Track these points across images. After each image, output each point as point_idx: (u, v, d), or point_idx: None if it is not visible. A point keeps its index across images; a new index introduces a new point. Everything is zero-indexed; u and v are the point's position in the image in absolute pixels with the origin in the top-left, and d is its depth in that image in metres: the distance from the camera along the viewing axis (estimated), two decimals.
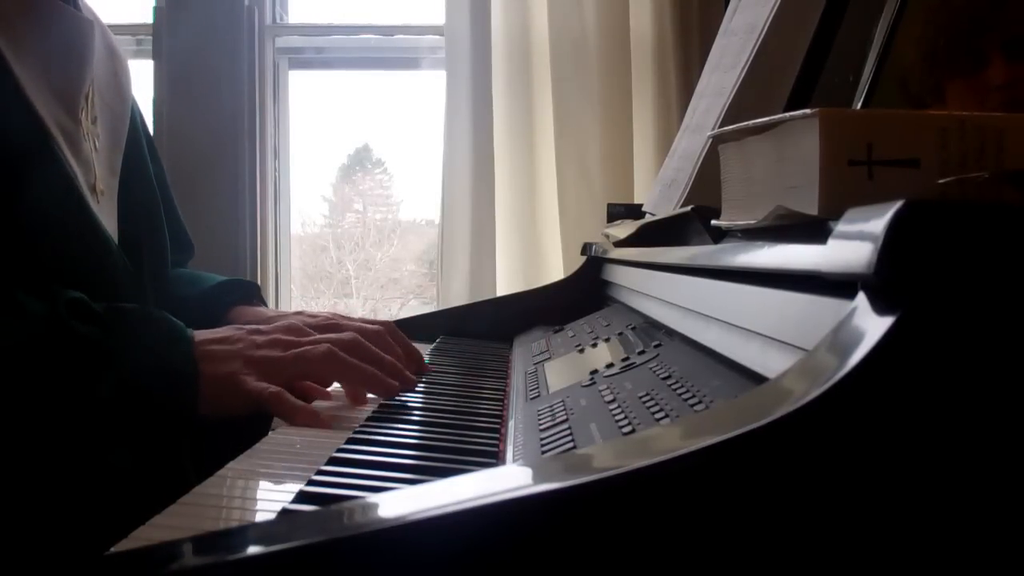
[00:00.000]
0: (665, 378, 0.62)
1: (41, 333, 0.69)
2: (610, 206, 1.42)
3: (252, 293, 1.06)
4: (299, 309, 1.03)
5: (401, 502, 0.32)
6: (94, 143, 0.87)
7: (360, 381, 0.78)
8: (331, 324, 0.88)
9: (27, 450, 0.66)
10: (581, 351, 0.89)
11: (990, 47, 1.24)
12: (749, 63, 0.96)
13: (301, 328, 0.81)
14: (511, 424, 0.69)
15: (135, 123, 0.99)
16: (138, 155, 0.98)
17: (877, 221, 0.32)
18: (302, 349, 0.77)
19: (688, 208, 0.78)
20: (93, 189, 0.85)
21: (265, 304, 1.08)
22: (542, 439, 0.60)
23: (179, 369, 0.72)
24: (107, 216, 0.87)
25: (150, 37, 2.08)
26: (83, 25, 0.88)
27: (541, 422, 0.65)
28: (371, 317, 1.07)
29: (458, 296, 1.96)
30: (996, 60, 1.23)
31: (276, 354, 0.76)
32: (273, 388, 0.72)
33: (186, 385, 0.72)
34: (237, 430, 0.71)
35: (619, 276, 1.12)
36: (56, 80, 0.82)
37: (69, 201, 0.80)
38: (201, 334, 0.76)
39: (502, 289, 1.94)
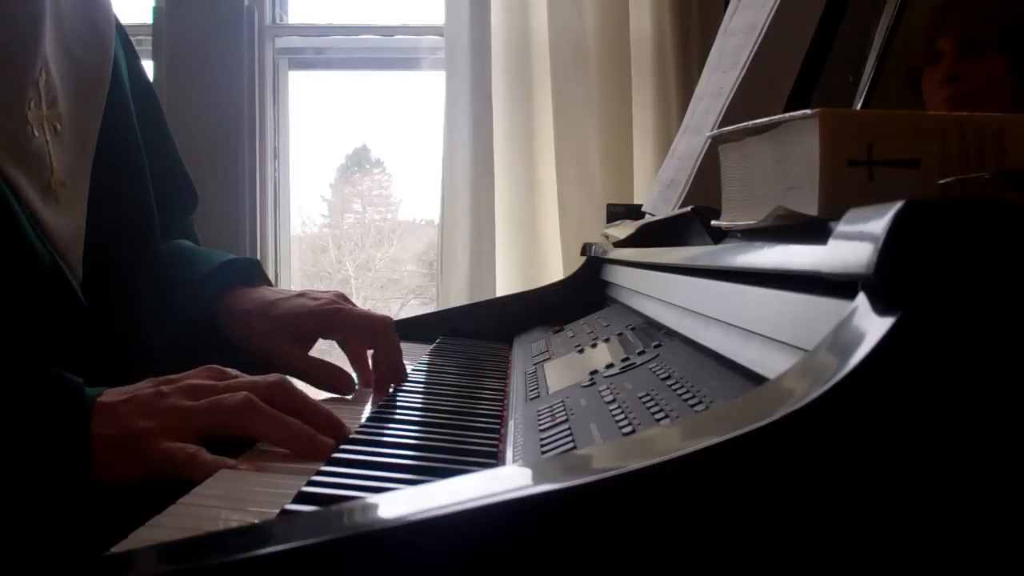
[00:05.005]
0: (665, 378, 0.62)
1: None
2: (610, 206, 1.42)
3: (253, 272, 0.96)
4: (303, 290, 0.96)
5: (401, 502, 0.32)
6: (54, 128, 0.79)
7: (283, 437, 0.63)
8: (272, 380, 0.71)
9: None
10: (581, 351, 0.89)
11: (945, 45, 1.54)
12: (749, 63, 0.96)
13: (222, 371, 0.69)
14: (511, 424, 0.69)
15: (119, 74, 0.89)
16: (122, 112, 0.88)
17: (877, 222, 0.32)
18: (216, 397, 0.65)
19: (688, 208, 0.77)
20: (47, 187, 0.77)
21: (269, 282, 1.00)
22: (542, 439, 0.60)
23: (67, 432, 0.63)
24: (66, 211, 0.79)
25: (150, 37, 2.08)
26: (27, 6, 0.78)
27: (541, 422, 0.65)
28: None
29: (458, 296, 1.96)
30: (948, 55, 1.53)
31: (186, 404, 0.65)
32: (191, 448, 0.61)
33: (74, 448, 0.62)
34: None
35: (619, 276, 1.12)
36: None
37: None
38: (109, 393, 0.66)
39: (502, 289, 1.93)
